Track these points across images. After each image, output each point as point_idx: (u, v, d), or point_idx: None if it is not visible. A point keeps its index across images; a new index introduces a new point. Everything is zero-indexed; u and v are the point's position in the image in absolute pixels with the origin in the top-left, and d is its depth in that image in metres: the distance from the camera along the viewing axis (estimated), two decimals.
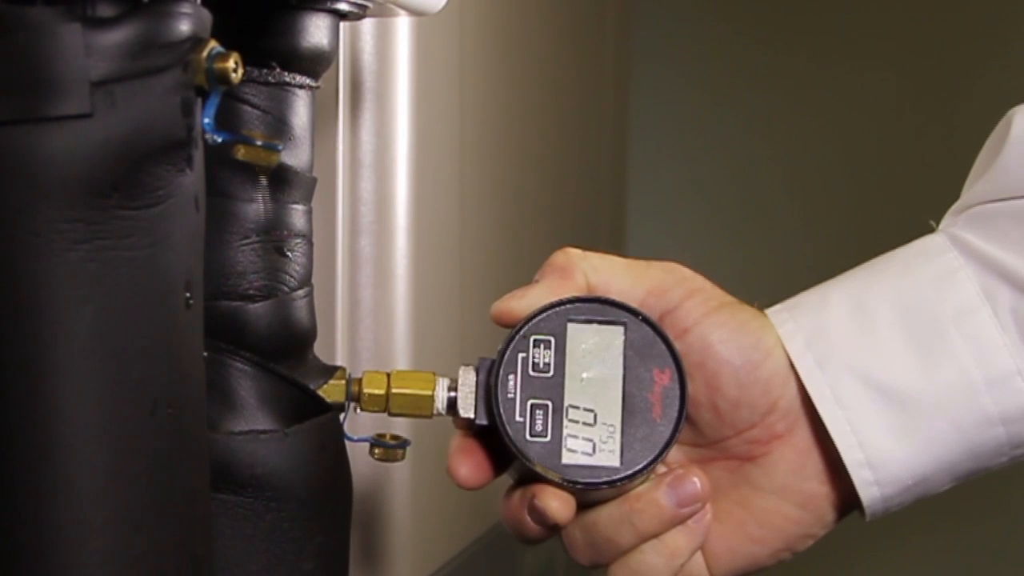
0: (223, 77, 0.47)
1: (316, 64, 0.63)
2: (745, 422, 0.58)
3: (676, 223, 2.12)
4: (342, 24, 0.67)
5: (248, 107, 0.61)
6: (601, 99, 1.63)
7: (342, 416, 0.63)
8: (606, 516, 0.57)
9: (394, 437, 0.65)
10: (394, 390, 0.61)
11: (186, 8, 0.46)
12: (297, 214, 0.63)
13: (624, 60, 1.77)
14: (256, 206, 0.61)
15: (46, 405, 0.45)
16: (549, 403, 0.57)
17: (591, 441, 0.57)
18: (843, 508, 0.58)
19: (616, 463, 0.56)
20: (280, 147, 0.61)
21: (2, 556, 0.46)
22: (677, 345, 0.57)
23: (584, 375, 0.57)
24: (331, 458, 0.62)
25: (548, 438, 0.57)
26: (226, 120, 0.59)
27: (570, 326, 0.58)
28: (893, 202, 1.92)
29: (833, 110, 2.04)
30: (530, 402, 0.57)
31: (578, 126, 1.49)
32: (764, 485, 0.58)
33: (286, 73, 0.61)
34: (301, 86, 0.62)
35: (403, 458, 0.65)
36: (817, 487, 0.58)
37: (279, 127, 0.61)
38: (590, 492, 0.57)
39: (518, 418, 0.57)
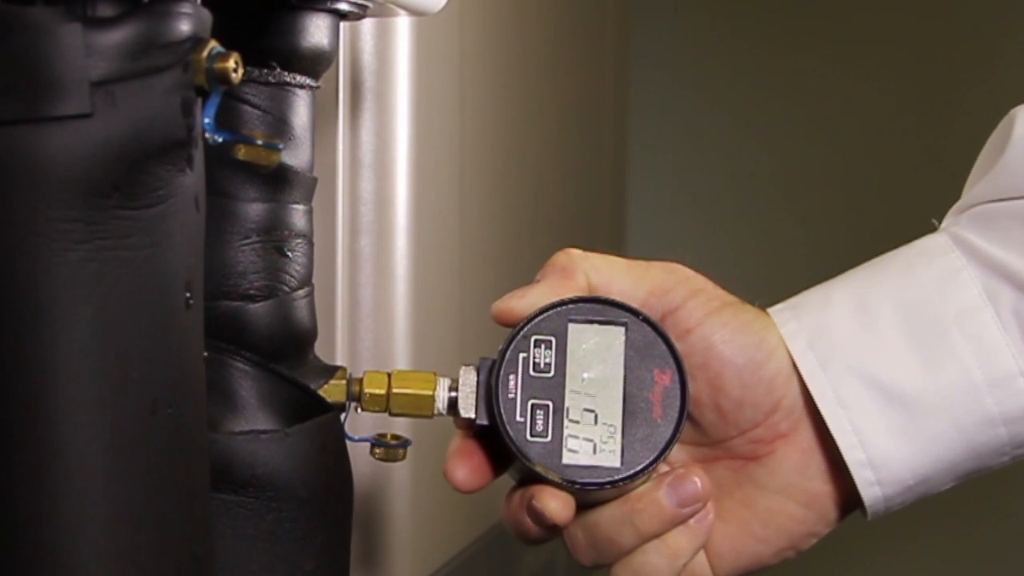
0: (223, 77, 0.47)
1: (316, 64, 0.63)
2: (749, 421, 0.58)
3: (676, 223, 2.12)
4: (342, 24, 0.67)
5: (248, 107, 0.61)
6: (601, 99, 1.63)
7: (343, 416, 0.63)
8: (607, 517, 0.57)
9: (395, 437, 0.65)
10: (395, 390, 0.61)
11: (186, 8, 0.46)
12: (298, 214, 0.63)
13: (623, 60, 1.77)
14: (256, 206, 0.61)
15: (46, 405, 0.45)
16: (550, 403, 0.57)
17: (592, 441, 0.56)
18: (846, 506, 0.59)
19: (617, 463, 0.56)
20: (280, 147, 0.61)
21: (3, 556, 0.46)
22: (678, 345, 0.57)
23: (585, 375, 0.57)
24: (332, 458, 0.62)
25: (549, 438, 0.57)
26: (226, 120, 0.59)
27: (571, 326, 0.58)
28: (891, 203, 1.92)
29: (832, 112, 2.04)
30: (531, 402, 0.57)
31: (578, 126, 1.49)
32: (768, 484, 0.58)
33: (286, 73, 0.61)
34: (301, 86, 0.62)
35: (404, 458, 0.65)
36: (821, 486, 0.58)
37: (279, 127, 0.61)
38: (591, 492, 0.57)
39: (519, 418, 0.57)
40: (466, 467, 0.58)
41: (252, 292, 0.61)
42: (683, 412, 0.57)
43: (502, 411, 0.57)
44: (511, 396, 0.57)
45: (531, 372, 0.57)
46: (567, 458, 0.56)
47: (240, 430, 0.59)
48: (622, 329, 0.57)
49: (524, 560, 1.24)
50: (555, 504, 0.57)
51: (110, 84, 0.44)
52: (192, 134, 0.47)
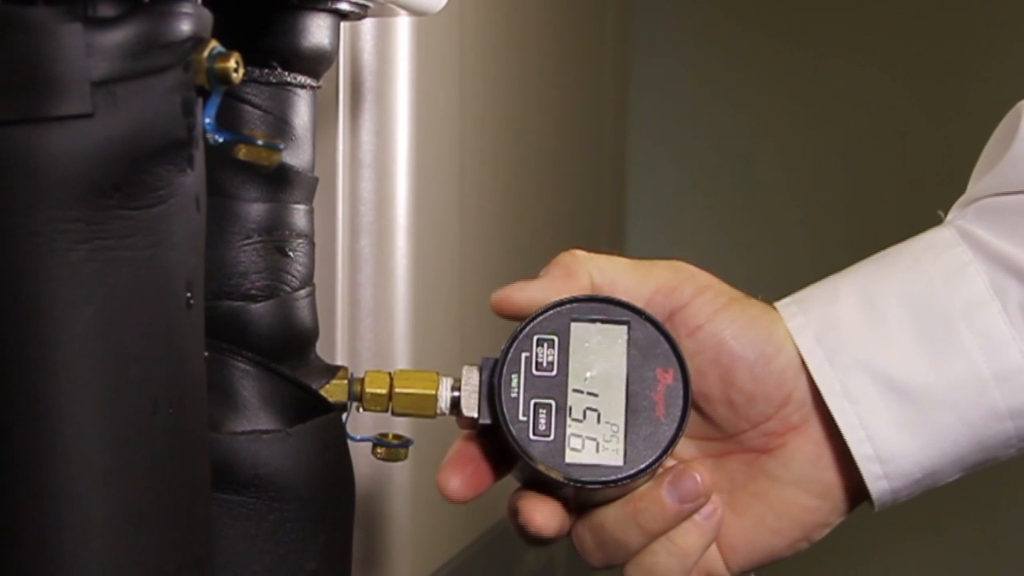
0: (224, 77, 0.47)
1: (317, 64, 0.63)
2: (761, 415, 0.58)
3: (676, 221, 2.12)
4: (342, 24, 0.67)
5: (249, 107, 0.61)
6: (601, 99, 1.63)
7: (344, 416, 0.63)
8: (612, 518, 0.57)
9: (396, 437, 0.65)
10: (397, 389, 0.61)
11: (187, 8, 0.46)
12: (299, 214, 0.63)
13: (624, 59, 1.77)
14: (258, 206, 0.61)
15: (47, 405, 0.45)
16: (552, 402, 0.57)
17: (595, 440, 0.56)
18: (856, 497, 0.59)
19: (619, 462, 0.56)
20: (281, 147, 0.61)
21: (3, 556, 0.46)
22: (686, 343, 0.57)
23: (588, 374, 0.57)
24: (334, 458, 0.62)
25: (551, 437, 0.56)
26: (227, 120, 0.59)
27: (573, 325, 0.58)
28: (896, 197, 1.92)
29: (836, 103, 2.03)
30: (533, 401, 0.57)
31: (578, 126, 1.49)
32: (782, 476, 0.58)
33: (287, 73, 0.61)
34: (302, 86, 0.62)
35: (406, 458, 0.65)
36: (834, 476, 0.58)
37: (280, 127, 0.61)
38: (594, 491, 0.57)
39: (521, 417, 0.57)
40: (459, 477, 0.59)
41: (253, 292, 0.61)
42: (686, 411, 0.57)
43: (505, 410, 0.57)
44: (514, 395, 0.57)
45: (534, 371, 0.57)
46: (570, 457, 0.56)
47: (242, 430, 0.59)
48: (625, 328, 0.57)
49: (524, 560, 1.24)
50: (540, 518, 0.57)
51: (111, 84, 0.44)
52: (193, 134, 0.47)
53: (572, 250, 0.60)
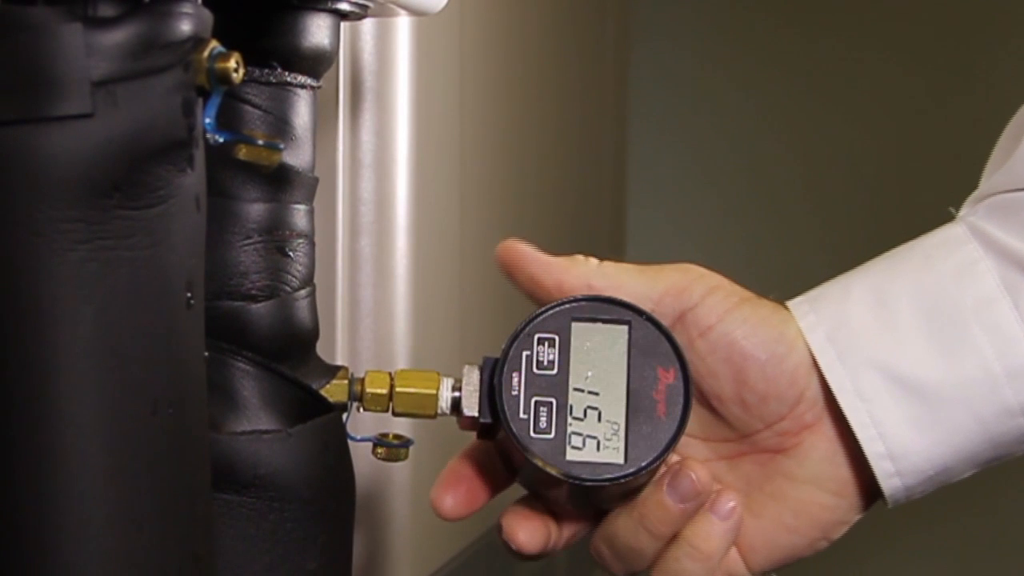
0: (224, 77, 0.47)
1: (317, 64, 0.63)
2: (774, 414, 0.58)
3: (677, 220, 2.12)
4: (342, 24, 0.67)
5: (249, 107, 0.61)
6: (601, 98, 1.63)
7: (345, 416, 0.63)
8: (622, 527, 0.58)
9: (397, 436, 0.65)
10: (398, 389, 0.61)
11: (187, 8, 0.46)
12: (299, 214, 0.63)
13: (624, 58, 1.77)
14: (258, 206, 0.61)
15: (47, 405, 0.45)
16: (553, 401, 0.57)
17: (595, 439, 0.57)
18: (872, 494, 0.59)
19: (620, 460, 0.56)
20: (282, 147, 0.61)
21: (4, 556, 0.46)
22: (692, 345, 0.58)
23: (588, 373, 0.57)
24: (334, 458, 0.62)
25: (552, 435, 0.57)
26: (227, 120, 0.59)
27: (574, 324, 0.58)
28: (902, 192, 1.91)
29: (842, 96, 2.01)
30: (534, 399, 0.57)
31: (578, 125, 1.49)
32: (798, 475, 0.58)
33: (287, 73, 0.61)
34: (302, 86, 0.62)
35: (406, 458, 0.65)
36: (848, 474, 0.58)
37: (280, 127, 0.61)
38: (595, 490, 0.57)
39: (522, 415, 0.57)
40: (453, 496, 0.59)
41: (254, 292, 0.61)
42: (687, 409, 0.57)
43: (505, 408, 0.57)
44: (514, 393, 0.57)
45: (534, 370, 0.57)
46: (571, 455, 0.56)
47: (242, 430, 0.59)
48: (625, 327, 0.58)
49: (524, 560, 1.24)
50: (523, 535, 0.58)
51: (111, 84, 0.44)
52: (193, 134, 0.47)
53: (576, 256, 0.60)
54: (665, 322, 0.58)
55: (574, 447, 0.56)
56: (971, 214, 0.59)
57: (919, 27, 1.99)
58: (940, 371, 0.56)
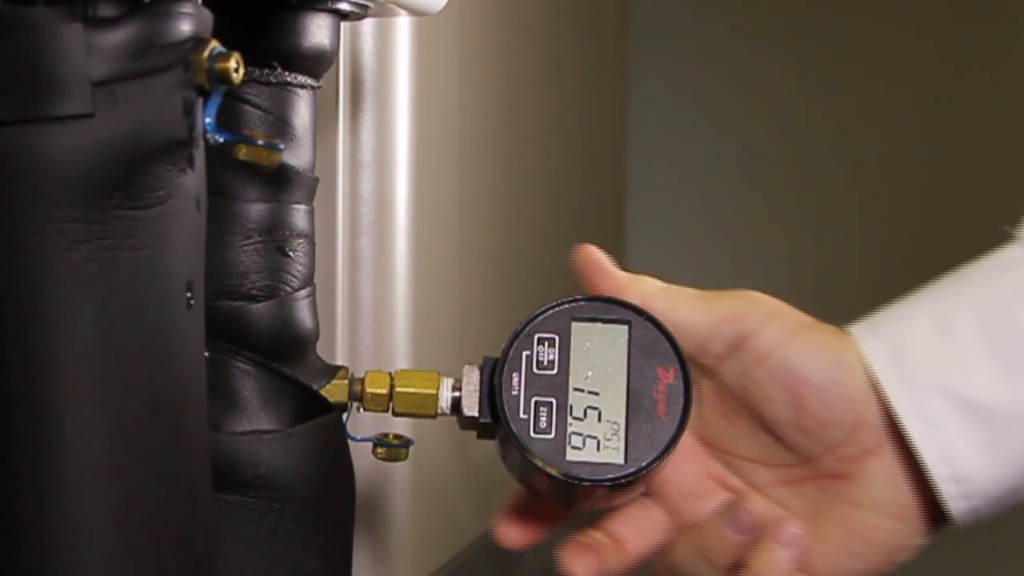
0: (224, 77, 0.47)
1: (317, 64, 0.63)
2: (833, 440, 0.58)
3: (677, 221, 2.12)
4: (342, 24, 0.67)
5: (249, 107, 0.61)
6: (602, 98, 1.63)
7: (345, 416, 0.63)
8: (681, 556, 0.58)
9: (397, 436, 0.66)
10: (398, 389, 0.61)
11: (187, 8, 0.46)
12: (299, 214, 0.63)
13: (624, 58, 1.77)
14: (258, 206, 0.61)
15: (47, 405, 0.45)
16: (553, 400, 0.57)
17: (595, 439, 0.57)
18: (936, 517, 0.59)
19: (620, 460, 0.56)
20: (282, 147, 0.61)
21: (4, 556, 0.46)
22: (749, 372, 0.58)
23: (588, 373, 0.57)
24: (334, 458, 0.62)
25: (552, 435, 0.57)
26: (227, 120, 0.59)
27: (574, 324, 0.58)
28: (910, 194, 1.90)
29: (842, 101, 2.01)
30: (534, 399, 0.57)
31: (579, 125, 1.49)
32: (861, 501, 0.58)
33: (287, 73, 0.61)
34: (302, 86, 0.62)
35: (406, 458, 0.65)
36: (911, 498, 0.58)
37: (280, 127, 0.61)
38: (595, 490, 0.57)
39: (522, 415, 0.57)
40: (516, 530, 0.60)
41: (254, 292, 0.61)
42: (687, 409, 0.57)
43: (505, 408, 0.57)
44: (514, 393, 0.57)
45: (535, 369, 0.57)
46: (571, 455, 0.56)
47: (242, 430, 0.59)
48: (625, 328, 0.58)
49: (524, 560, 1.24)
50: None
51: (111, 84, 0.44)
52: (193, 134, 0.47)
53: (642, 276, 0.60)
54: (721, 349, 0.58)
55: (574, 447, 0.56)
56: None
57: (921, 33, 1.98)
58: (1004, 392, 0.56)
